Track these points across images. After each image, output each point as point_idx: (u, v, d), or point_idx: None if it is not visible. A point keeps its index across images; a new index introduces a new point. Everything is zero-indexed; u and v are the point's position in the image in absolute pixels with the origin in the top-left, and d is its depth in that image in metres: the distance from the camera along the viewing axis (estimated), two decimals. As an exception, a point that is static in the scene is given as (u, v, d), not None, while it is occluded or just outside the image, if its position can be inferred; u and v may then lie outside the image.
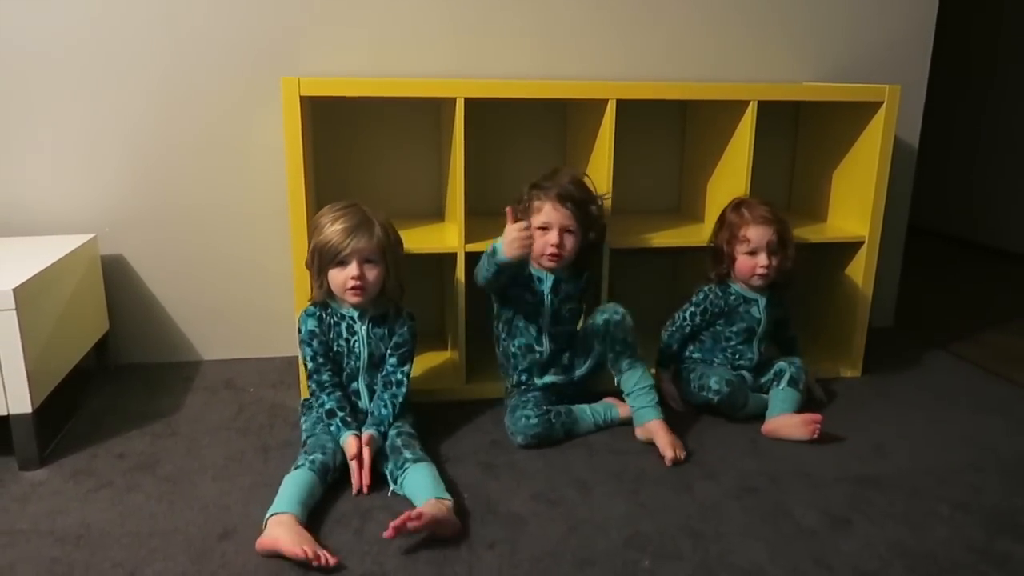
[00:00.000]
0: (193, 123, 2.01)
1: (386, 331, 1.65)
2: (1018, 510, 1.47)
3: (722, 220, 1.88)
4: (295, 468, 1.44)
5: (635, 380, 1.73)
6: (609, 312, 1.78)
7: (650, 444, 1.68)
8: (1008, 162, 3.69)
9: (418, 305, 1.86)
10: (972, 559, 1.32)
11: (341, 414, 1.56)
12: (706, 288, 1.90)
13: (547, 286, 1.79)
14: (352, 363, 1.64)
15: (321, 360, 1.62)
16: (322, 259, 1.58)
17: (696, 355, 1.93)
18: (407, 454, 1.50)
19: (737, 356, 1.88)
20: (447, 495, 1.41)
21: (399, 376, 1.65)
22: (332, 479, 1.48)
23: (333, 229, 1.56)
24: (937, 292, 3.04)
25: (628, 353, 1.75)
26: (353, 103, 2.03)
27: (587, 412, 1.77)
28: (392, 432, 1.57)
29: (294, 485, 1.39)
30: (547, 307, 1.79)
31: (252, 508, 1.42)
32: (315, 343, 1.62)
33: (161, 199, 2.05)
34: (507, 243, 1.59)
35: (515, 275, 1.74)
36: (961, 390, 2.04)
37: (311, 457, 1.46)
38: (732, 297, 1.87)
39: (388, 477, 1.50)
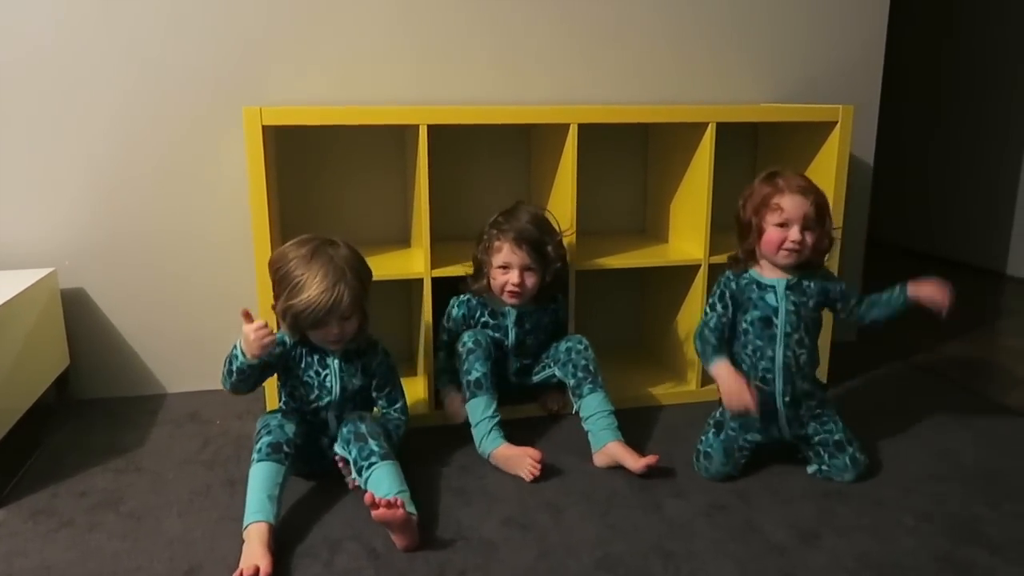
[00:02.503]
0: (155, 152, 2.00)
1: (359, 366, 1.63)
2: (980, 518, 1.50)
3: (750, 192, 1.68)
4: (252, 464, 1.46)
5: (596, 404, 1.73)
6: (573, 341, 1.82)
7: (611, 468, 1.66)
8: (960, 177, 3.80)
9: (386, 331, 1.85)
10: (937, 567, 1.34)
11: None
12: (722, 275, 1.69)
13: (511, 320, 1.84)
14: (324, 397, 1.60)
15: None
16: (297, 321, 1.51)
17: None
18: (374, 446, 1.49)
19: (758, 355, 1.62)
20: (412, 505, 1.42)
21: (394, 415, 1.67)
22: (289, 451, 1.49)
23: (309, 296, 1.46)
24: (898, 305, 3.09)
25: (589, 380, 1.76)
26: (317, 130, 2.03)
27: None
28: (355, 418, 1.56)
29: (254, 480, 1.43)
30: (512, 340, 1.85)
31: (219, 543, 1.40)
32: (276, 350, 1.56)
33: (122, 231, 2.02)
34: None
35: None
36: (923, 401, 2.08)
37: (257, 445, 1.48)
38: (744, 281, 1.66)
39: (352, 465, 1.50)
